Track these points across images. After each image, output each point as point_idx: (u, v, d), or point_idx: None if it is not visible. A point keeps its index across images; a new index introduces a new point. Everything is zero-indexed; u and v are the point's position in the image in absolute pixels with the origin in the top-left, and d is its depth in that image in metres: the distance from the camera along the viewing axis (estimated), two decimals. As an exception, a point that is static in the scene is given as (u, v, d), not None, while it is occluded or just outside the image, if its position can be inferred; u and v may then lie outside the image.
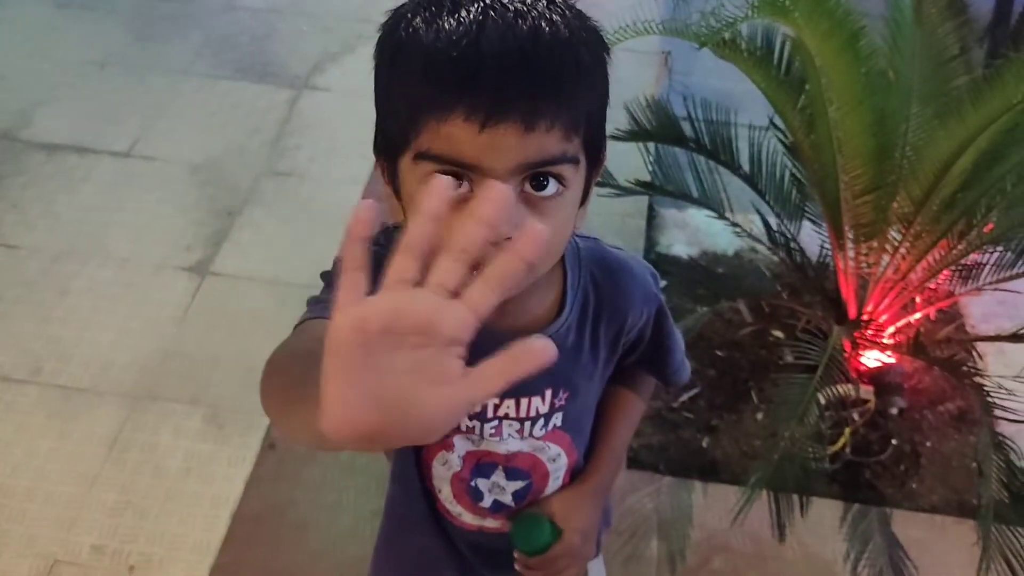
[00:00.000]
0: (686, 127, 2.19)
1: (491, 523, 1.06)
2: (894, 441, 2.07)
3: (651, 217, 2.59)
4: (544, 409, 0.95)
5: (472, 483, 1.00)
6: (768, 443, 1.77)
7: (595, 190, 2.23)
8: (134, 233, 2.48)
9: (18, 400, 2.09)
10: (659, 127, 2.21)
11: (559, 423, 0.98)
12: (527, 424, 0.96)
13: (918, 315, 2.07)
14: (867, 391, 2.00)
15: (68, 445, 2.01)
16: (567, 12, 0.75)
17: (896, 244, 1.88)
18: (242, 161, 2.70)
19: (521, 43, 0.70)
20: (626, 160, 2.23)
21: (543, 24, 0.71)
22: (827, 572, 1.85)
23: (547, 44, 0.71)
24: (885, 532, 1.88)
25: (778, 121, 2.06)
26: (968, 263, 2.00)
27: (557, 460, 1.01)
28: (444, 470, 1.00)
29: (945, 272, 1.98)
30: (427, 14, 0.73)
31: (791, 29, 1.59)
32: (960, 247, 1.88)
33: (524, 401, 0.95)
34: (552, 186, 0.75)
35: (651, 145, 2.25)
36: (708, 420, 2.12)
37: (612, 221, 2.53)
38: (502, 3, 0.72)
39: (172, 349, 2.21)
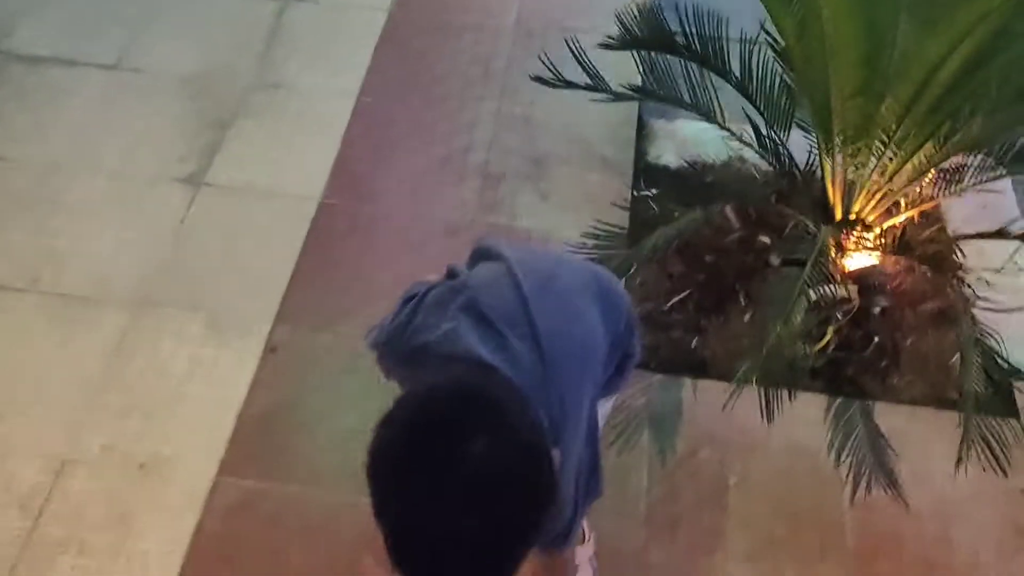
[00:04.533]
0: (679, 38, 2.20)
1: None
2: (876, 338, 2.14)
3: (640, 128, 2.61)
4: None
5: None
6: (755, 339, 1.83)
7: (587, 95, 2.24)
8: (125, 146, 2.47)
9: (18, 307, 2.11)
10: (650, 35, 2.21)
11: None
12: None
13: (902, 217, 2.13)
14: (851, 289, 2.06)
15: (71, 351, 2.04)
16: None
17: (883, 147, 1.92)
18: (232, 73, 2.67)
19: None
20: (619, 70, 2.24)
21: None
22: (811, 461, 1.94)
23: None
24: (867, 423, 1.96)
25: (771, 28, 2.08)
26: (951, 166, 2.05)
27: None
28: None
29: (930, 175, 2.03)
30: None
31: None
32: (944, 150, 1.92)
33: None
34: None
35: (643, 54, 2.26)
36: (697, 321, 2.18)
37: (603, 131, 2.55)
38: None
39: (170, 258, 2.23)
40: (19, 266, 2.19)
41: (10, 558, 1.73)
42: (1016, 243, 2.00)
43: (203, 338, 2.08)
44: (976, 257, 2.21)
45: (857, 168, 1.99)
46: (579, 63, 2.10)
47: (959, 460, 1.67)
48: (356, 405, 1.93)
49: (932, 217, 2.28)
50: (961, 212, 2.28)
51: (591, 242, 2.02)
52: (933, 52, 1.65)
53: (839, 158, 2.02)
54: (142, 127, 2.52)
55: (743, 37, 2.15)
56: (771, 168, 2.33)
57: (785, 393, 1.91)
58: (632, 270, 1.99)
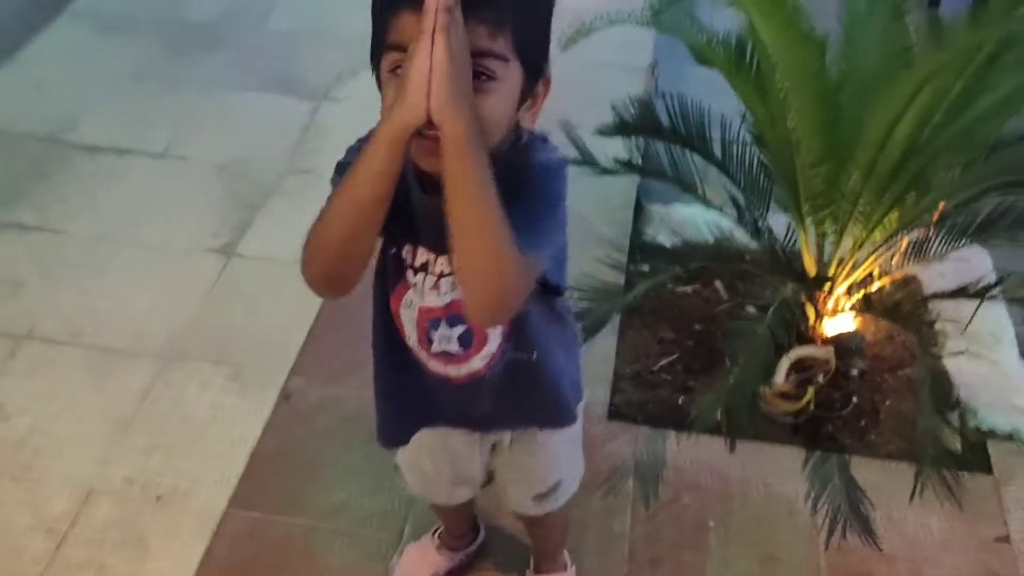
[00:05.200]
0: (665, 123, 2.43)
1: (452, 372, 1.27)
2: (855, 399, 2.25)
3: (638, 211, 2.82)
4: None
5: (426, 329, 1.23)
6: (734, 391, 1.95)
7: (582, 170, 2.47)
8: (167, 222, 2.74)
9: (60, 358, 2.33)
10: (641, 121, 2.45)
11: None
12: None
13: (876, 285, 2.27)
14: (827, 350, 2.19)
15: (104, 397, 2.23)
16: None
17: (848, 216, 2.09)
18: (266, 161, 2.96)
19: None
20: (616, 154, 2.47)
21: None
22: (788, 509, 2.03)
23: None
24: (844, 475, 2.06)
25: (748, 114, 2.30)
26: (919, 236, 2.21)
27: None
28: (409, 312, 1.23)
29: (902, 244, 2.19)
30: None
31: (738, 7, 1.83)
32: (908, 217, 2.09)
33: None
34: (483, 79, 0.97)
35: (638, 140, 2.49)
36: (685, 382, 2.32)
37: (603, 211, 2.76)
38: None
39: (200, 318, 2.44)
40: (64, 322, 2.41)
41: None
42: (977, 301, 2.12)
43: (224, 387, 2.26)
44: (953, 314, 2.34)
45: (826, 235, 2.16)
46: (572, 143, 2.33)
47: (911, 497, 1.76)
48: (360, 449, 2.08)
49: (908, 275, 2.42)
50: (940, 267, 2.40)
51: (578, 294, 2.18)
52: (881, 118, 1.84)
53: (811, 228, 2.20)
54: (183, 206, 2.79)
55: (724, 122, 2.37)
56: (756, 245, 2.50)
57: (761, 442, 2.03)
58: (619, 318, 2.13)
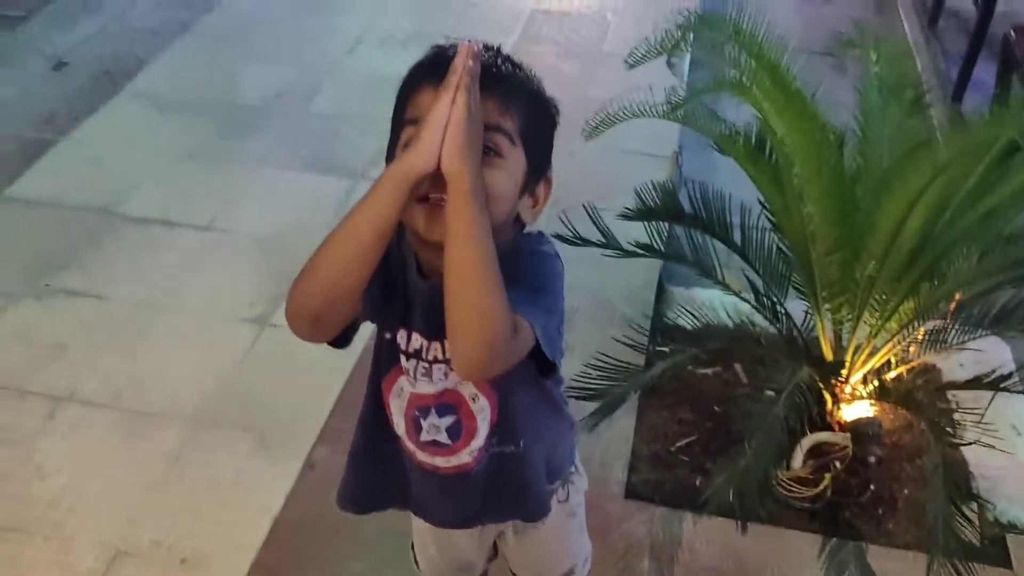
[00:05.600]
0: (689, 209, 2.51)
1: (441, 462, 1.29)
2: (873, 487, 2.25)
3: (660, 293, 2.89)
4: None
5: (415, 417, 1.26)
6: (746, 470, 1.97)
7: (605, 252, 2.53)
8: (207, 291, 2.86)
9: (99, 420, 2.42)
10: (663, 206, 2.53)
11: None
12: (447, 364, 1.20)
13: (893, 373, 2.30)
14: (844, 436, 2.21)
15: (137, 457, 2.32)
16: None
17: (862, 303, 2.13)
18: (303, 236, 3.03)
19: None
20: (639, 237, 2.54)
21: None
22: (804, 595, 2.02)
23: (496, 54, 1.09)
24: (860, 563, 2.06)
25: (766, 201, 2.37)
26: (935, 326, 2.24)
27: (477, 400, 1.24)
28: (399, 402, 1.27)
29: (919, 333, 2.22)
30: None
31: (751, 104, 1.92)
32: (923, 306, 2.12)
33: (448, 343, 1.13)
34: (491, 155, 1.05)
35: (661, 225, 2.57)
36: (703, 463, 2.34)
37: (625, 292, 2.84)
38: None
39: (232, 385, 2.53)
40: (105, 385, 2.52)
41: (58, 633, 1.92)
42: (991, 393, 2.13)
43: (251, 453, 2.33)
44: (973, 404, 2.34)
45: (843, 322, 2.20)
46: (595, 225, 2.42)
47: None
48: (376, 521, 2.08)
49: (928, 365, 2.44)
50: (958, 357, 2.42)
51: (596, 372, 2.23)
52: (893, 208, 1.90)
53: (827, 315, 2.24)
54: (223, 277, 2.91)
55: (744, 209, 2.44)
56: (774, 330, 2.54)
57: (778, 527, 2.03)
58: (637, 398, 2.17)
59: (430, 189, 1.02)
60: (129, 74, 3.99)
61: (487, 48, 1.07)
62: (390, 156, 1.13)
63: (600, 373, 2.24)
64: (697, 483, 2.28)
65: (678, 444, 2.39)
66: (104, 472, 2.28)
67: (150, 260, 2.99)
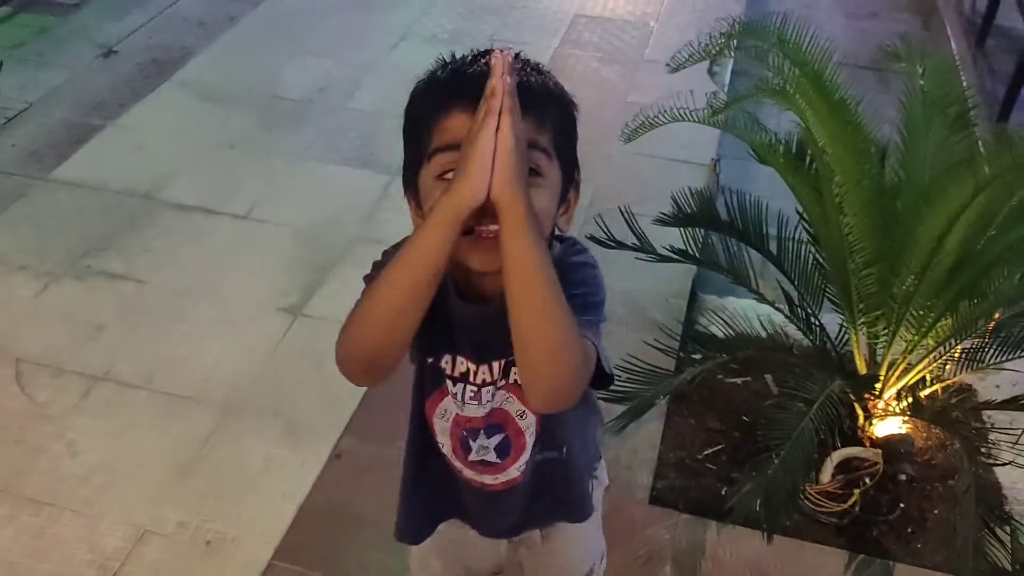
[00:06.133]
0: (725, 217, 2.50)
1: (489, 480, 1.29)
2: (902, 505, 2.22)
3: (692, 300, 2.87)
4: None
5: (463, 438, 1.25)
6: (773, 480, 1.95)
7: (637, 256, 2.51)
8: (242, 279, 2.89)
9: (130, 401, 2.46)
10: (699, 213, 2.52)
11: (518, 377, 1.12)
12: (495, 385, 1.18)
13: (927, 391, 2.26)
14: (875, 452, 2.18)
15: (167, 439, 2.35)
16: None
17: (900, 317, 2.10)
18: (339, 229, 3.11)
19: None
20: (674, 243, 2.53)
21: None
22: (827, 609, 2.00)
23: (522, 65, 1.05)
24: (886, 581, 2.03)
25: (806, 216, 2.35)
26: (973, 345, 2.20)
27: (525, 416, 1.23)
28: (443, 422, 1.25)
29: (956, 351, 2.19)
30: (440, 69, 1.07)
31: (794, 111, 1.91)
32: (961, 326, 2.09)
33: (495, 364, 1.16)
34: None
35: (696, 232, 2.55)
36: (729, 472, 2.32)
37: (657, 298, 2.82)
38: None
39: (263, 372, 2.56)
40: (139, 367, 2.55)
41: (83, 607, 1.95)
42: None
43: (279, 440, 2.35)
44: (1010, 426, 2.30)
45: (878, 337, 2.18)
46: (631, 229, 2.41)
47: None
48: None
49: (964, 383, 2.40)
50: (996, 378, 2.38)
51: (626, 375, 2.22)
52: (934, 223, 1.87)
53: (863, 329, 2.21)
54: (258, 265, 2.95)
55: (781, 219, 2.42)
56: (809, 343, 2.52)
57: (803, 541, 2.01)
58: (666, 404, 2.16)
59: (476, 220, 0.96)
60: (176, 64, 4.06)
61: (514, 58, 1.01)
62: (409, 178, 1.09)
63: (630, 376, 2.23)
64: (723, 492, 2.26)
65: (705, 452, 2.37)
66: (134, 452, 2.31)
67: (188, 246, 3.03)
